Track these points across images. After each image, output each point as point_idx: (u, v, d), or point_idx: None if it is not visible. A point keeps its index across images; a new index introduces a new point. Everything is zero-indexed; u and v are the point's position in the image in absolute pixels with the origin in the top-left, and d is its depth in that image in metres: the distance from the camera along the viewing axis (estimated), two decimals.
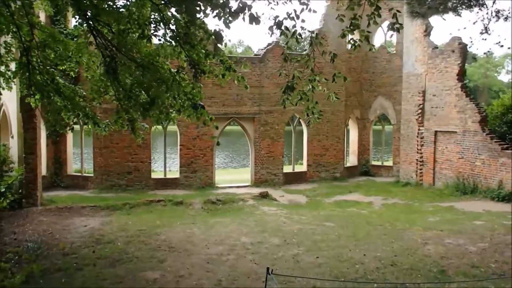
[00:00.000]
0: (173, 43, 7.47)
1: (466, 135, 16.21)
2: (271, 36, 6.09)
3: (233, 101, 19.84)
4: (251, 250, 9.38)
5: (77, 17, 7.64)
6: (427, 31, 19.19)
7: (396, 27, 5.88)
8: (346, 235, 10.43)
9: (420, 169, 18.87)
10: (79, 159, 19.68)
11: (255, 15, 5.50)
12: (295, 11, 5.95)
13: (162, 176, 19.58)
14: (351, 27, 5.81)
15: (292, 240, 10.15)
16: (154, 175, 19.52)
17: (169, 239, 10.42)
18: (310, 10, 5.90)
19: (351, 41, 6.25)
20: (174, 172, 22.73)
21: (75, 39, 10.81)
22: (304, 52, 7.38)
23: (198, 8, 6.71)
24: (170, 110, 8.98)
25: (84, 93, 10.81)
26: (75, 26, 10.24)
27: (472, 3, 9.22)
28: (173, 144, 28.02)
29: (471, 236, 9.96)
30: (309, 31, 5.71)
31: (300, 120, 21.48)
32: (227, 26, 6.74)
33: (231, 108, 19.76)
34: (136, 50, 7.45)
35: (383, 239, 9.93)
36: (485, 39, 10.66)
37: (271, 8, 6.87)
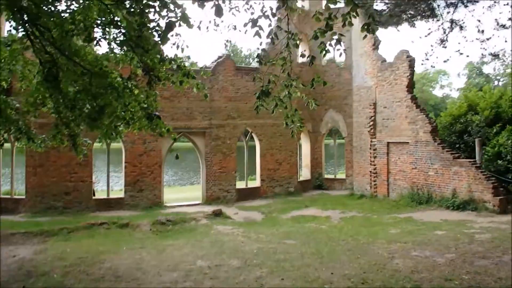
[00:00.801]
0: (125, 47, 6.67)
1: (418, 145, 16.38)
2: (245, 33, 5.49)
3: (183, 115, 18.98)
4: (210, 275, 8.55)
5: (12, 20, 6.69)
6: (375, 44, 19.45)
7: (371, 28, 5.38)
8: (310, 253, 9.86)
9: (374, 181, 18.84)
10: (9, 180, 17.95)
11: (220, 7, 4.87)
12: (271, 8, 5.41)
13: (105, 196, 18.33)
14: (325, 28, 5.27)
15: (252, 261, 9.42)
16: (96, 196, 18.18)
17: (115, 267, 9.37)
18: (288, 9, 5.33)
19: (321, 45, 5.70)
20: (118, 191, 21.45)
21: (8, 47, 9.69)
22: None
23: (152, 10, 6.03)
24: (118, 124, 8.11)
25: (18, 105, 9.65)
26: (9, 31, 9.16)
27: (427, 14, 9.15)
28: (116, 162, 26.61)
29: (437, 247, 9.70)
30: (286, 31, 5.13)
31: (253, 134, 21.00)
32: (189, 26, 6.06)
33: (181, 122, 18.91)
34: (82, 55, 6.58)
35: (349, 255, 9.44)
36: (446, 47, 10.67)
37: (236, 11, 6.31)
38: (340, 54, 19.64)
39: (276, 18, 5.35)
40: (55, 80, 6.44)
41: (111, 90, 6.04)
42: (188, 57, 7.15)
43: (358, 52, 20.69)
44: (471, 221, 12.75)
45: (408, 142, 16.86)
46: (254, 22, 4.95)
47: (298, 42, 5.42)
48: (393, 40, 42.36)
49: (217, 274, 8.57)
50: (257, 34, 5.17)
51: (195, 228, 14.12)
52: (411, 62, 17.16)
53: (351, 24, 5.15)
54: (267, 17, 5.14)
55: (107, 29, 6.91)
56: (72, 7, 6.97)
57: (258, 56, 6.55)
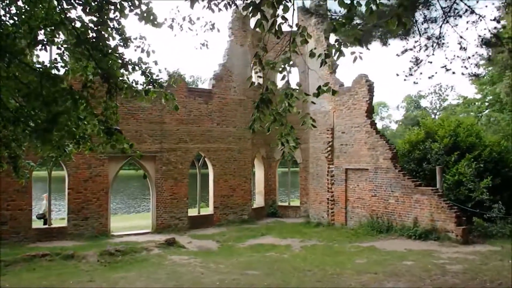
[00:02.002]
0: (78, 52, 5.98)
1: (378, 172, 16.43)
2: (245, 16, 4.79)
3: (131, 137, 18.04)
4: None
5: None
6: (333, 68, 19.72)
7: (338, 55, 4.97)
8: (276, 284, 9.41)
9: (332, 209, 18.77)
10: None
11: None
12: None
13: (46, 226, 16.94)
14: (328, 50, 4.93)
15: None
16: (35, 225, 16.80)
17: None
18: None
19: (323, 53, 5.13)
20: (60, 220, 20.05)
21: None
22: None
23: (112, 7, 5.52)
24: (67, 143, 7.40)
25: None
26: None
27: (402, 33, 9.19)
28: (56, 191, 25.10)
29: (410, 279, 9.54)
30: (289, 25, 4.65)
31: (206, 159, 20.48)
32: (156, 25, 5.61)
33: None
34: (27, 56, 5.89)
35: None
36: (419, 67, 10.76)
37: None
38: (284, 77, 19.53)
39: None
40: None
41: (67, 96, 5.31)
42: (155, 63, 6.57)
43: (314, 76, 20.86)
44: (436, 251, 12.74)
45: (367, 169, 16.91)
46: (256, 6, 4.36)
47: (306, 37, 4.88)
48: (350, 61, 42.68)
49: None
50: (261, 25, 4.60)
51: (147, 259, 13.27)
52: (370, 87, 17.37)
53: (341, 53, 4.82)
54: (272, 5, 4.48)
55: (56, 30, 6.21)
56: (12, 11, 6.30)
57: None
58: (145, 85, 6.15)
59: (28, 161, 9.09)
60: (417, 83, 16.92)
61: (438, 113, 71.80)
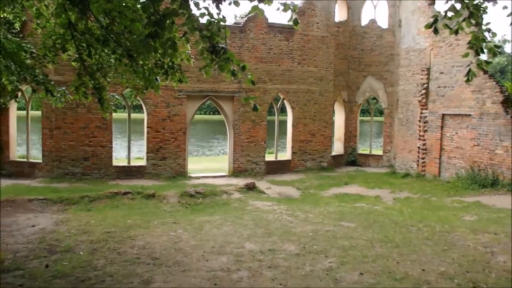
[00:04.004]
0: None
1: (483, 118, 14.50)
2: None
3: (210, 76, 17.38)
4: (266, 262, 7.21)
5: None
6: None
7: None
8: (379, 240, 8.47)
9: (423, 158, 17.25)
10: (24, 143, 16.72)
11: None
12: None
13: (125, 164, 17.07)
14: None
15: (312, 246, 8.07)
16: (115, 163, 16.99)
17: (150, 246, 8.06)
18: None
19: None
20: (138, 159, 20.26)
21: None
22: None
23: None
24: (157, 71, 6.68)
25: (33, 50, 8.26)
26: None
27: None
28: (135, 132, 25.56)
29: None
30: None
31: (285, 101, 19.49)
32: None
33: (208, 84, 17.43)
34: None
35: (432, 246, 8.01)
36: None
37: None
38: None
39: None
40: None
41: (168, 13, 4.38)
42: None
43: (409, 8, 18.73)
44: None
45: (470, 115, 15.00)
46: None
47: None
48: None
49: (275, 262, 7.22)
50: None
51: (228, 203, 12.88)
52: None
53: None
54: None
55: None
56: None
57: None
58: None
59: (113, 94, 8.66)
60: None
61: None
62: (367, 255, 7.52)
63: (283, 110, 20.93)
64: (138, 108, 17.83)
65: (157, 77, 6.49)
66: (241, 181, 15.99)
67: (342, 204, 12.79)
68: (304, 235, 8.84)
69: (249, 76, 5.30)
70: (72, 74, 13.79)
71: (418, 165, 17.48)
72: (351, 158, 21.78)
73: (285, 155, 20.49)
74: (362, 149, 25.14)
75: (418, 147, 17.43)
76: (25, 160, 16.26)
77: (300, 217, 10.53)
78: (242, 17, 19.18)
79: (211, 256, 7.55)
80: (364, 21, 21.77)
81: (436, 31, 4.52)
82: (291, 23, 5.39)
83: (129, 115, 17.16)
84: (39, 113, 16.44)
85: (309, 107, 19.72)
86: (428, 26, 4.67)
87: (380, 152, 22.34)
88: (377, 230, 9.24)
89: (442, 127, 16.31)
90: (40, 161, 15.83)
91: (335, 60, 20.41)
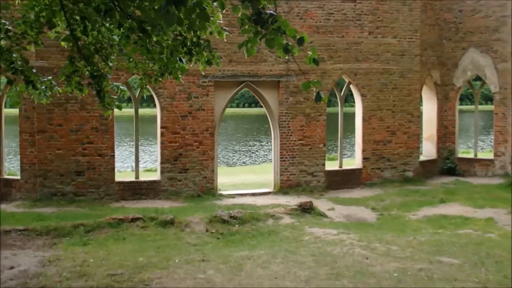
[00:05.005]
0: None
1: None
2: None
3: (241, 54, 17.34)
4: None
5: None
6: None
7: None
8: (496, 282, 8.28)
9: None
10: None
11: None
12: None
13: (132, 179, 17.41)
14: None
15: None
16: (119, 177, 17.37)
17: None
18: None
19: None
20: (149, 172, 20.65)
21: None
22: None
23: None
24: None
25: (9, 27, 8.51)
26: None
27: None
28: (145, 134, 26.09)
29: None
30: None
31: (352, 86, 19.39)
32: None
33: (243, 66, 17.60)
34: None
35: None
36: None
37: None
38: None
39: None
40: None
41: None
42: None
43: None
44: None
45: None
46: None
47: None
48: None
49: None
50: None
51: (276, 231, 12.90)
52: None
53: None
54: None
55: None
56: None
57: None
58: None
59: (117, 83, 8.79)
60: None
61: None
62: None
63: (348, 99, 20.88)
64: (147, 101, 18.13)
65: (181, 58, 6.55)
66: (292, 200, 16.08)
67: (439, 231, 12.68)
68: (386, 277, 8.77)
69: (309, 52, 5.21)
70: (61, 58, 14.25)
71: None
72: (448, 165, 21.53)
73: (354, 162, 20.56)
74: (463, 151, 24.81)
75: None
76: None
77: (379, 251, 10.48)
78: None
79: None
80: None
81: None
82: None
83: (136, 112, 17.45)
84: (16, 111, 16.98)
85: (386, 93, 19.54)
86: None
87: (490, 156, 22.12)
88: (492, 268, 9.10)
89: None
90: (19, 177, 16.35)
91: (422, 27, 20.17)
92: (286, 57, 5.16)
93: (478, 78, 21.86)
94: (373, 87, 19.32)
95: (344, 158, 20.09)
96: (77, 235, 12.02)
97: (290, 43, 5.03)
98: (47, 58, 15.27)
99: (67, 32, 7.27)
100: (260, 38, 5.07)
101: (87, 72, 7.81)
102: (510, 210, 14.70)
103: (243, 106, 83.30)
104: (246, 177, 21.76)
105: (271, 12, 4.94)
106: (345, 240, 11.42)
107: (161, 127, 16.97)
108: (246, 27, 5.11)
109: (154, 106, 17.50)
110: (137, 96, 17.17)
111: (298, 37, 4.98)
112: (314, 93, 5.23)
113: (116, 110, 10.54)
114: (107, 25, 6.85)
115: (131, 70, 8.80)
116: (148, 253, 10.55)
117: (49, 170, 16.03)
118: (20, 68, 8.13)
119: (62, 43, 7.77)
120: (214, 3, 5.46)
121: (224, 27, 6.80)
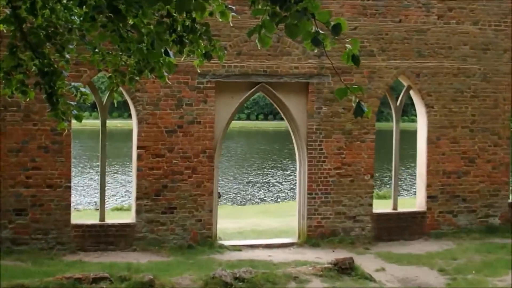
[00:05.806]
0: None
1: None
2: None
3: (261, 48, 17.54)
4: None
5: None
6: None
7: None
8: None
9: None
10: None
11: None
12: None
13: (95, 221, 17.54)
14: None
15: None
16: (77, 218, 17.49)
17: None
18: None
19: None
20: (120, 211, 20.76)
21: None
22: None
23: None
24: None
25: None
26: None
27: None
28: (115, 156, 26.33)
29: None
30: None
31: (412, 92, 19.45)
32: None
33: (257, 62, 17.78)
34: None
35: None
36: None
37: None
38: None
39: None
40: None
41: None
42: None
43: None
44: None
45: None
46: None
47: None
48: None
49: None
50: None
51: None
52: None
53: None
54: None
55: None
56: None
57: None
58: None
59: (77, 84, 8.81)
60: None
61: None
62: None
63: (407, 111, 20.96)
64: (119, 109, 18.22)
65: (168, 49, 6.61)
66: (324, 256, 16.22)
67: None
68: None
69: (348, 46, 5.16)
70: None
71: None
72: None
73: (414, 202, 20.66)
74: None
75: None
76: None
77: None
78: None
79: None
80: None
81: None
82: None
83: (103, 124, 17.53)
84: None
85: (462, 104, 19.62)
86: None
87: None
88: None
89: None
90: None
91: None
92: (316, 50, 5.17)
93: None
94: (443, 95, 19.39)
95: (400, 196, 20.15)
96: None
97: (321, 32, 4.93)
98: None
99: (7, 11, 7.32)
100: (278, 23, 5.00)
101: (34, 68, 7.85)
102: None
103: (257, 119, 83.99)
104: (259, 221, 21.87)
105: None
106: None
107: (139, 147, 17.08)
108: (260, 6, 5.08)
109: (129, 116, 17.68)
110: (104, 102, 17.27)
111: (333, 23, 4.93)
112: (354, 104, 5.09)
113: (74, 122, 10.59)
114: (64, 1, 6.90)
115: (97, 65, 8.86)
116: None
117: None
118: None
119: (0, 26, 7.83)
120: None
121: (230, 5, 6.84)
